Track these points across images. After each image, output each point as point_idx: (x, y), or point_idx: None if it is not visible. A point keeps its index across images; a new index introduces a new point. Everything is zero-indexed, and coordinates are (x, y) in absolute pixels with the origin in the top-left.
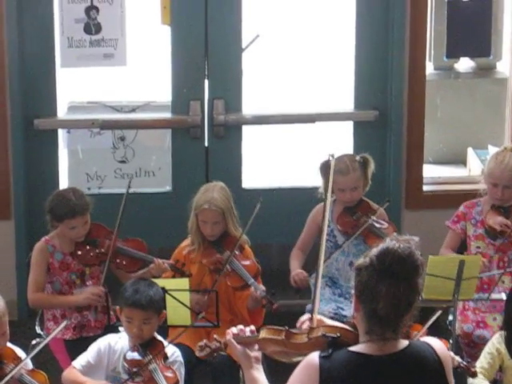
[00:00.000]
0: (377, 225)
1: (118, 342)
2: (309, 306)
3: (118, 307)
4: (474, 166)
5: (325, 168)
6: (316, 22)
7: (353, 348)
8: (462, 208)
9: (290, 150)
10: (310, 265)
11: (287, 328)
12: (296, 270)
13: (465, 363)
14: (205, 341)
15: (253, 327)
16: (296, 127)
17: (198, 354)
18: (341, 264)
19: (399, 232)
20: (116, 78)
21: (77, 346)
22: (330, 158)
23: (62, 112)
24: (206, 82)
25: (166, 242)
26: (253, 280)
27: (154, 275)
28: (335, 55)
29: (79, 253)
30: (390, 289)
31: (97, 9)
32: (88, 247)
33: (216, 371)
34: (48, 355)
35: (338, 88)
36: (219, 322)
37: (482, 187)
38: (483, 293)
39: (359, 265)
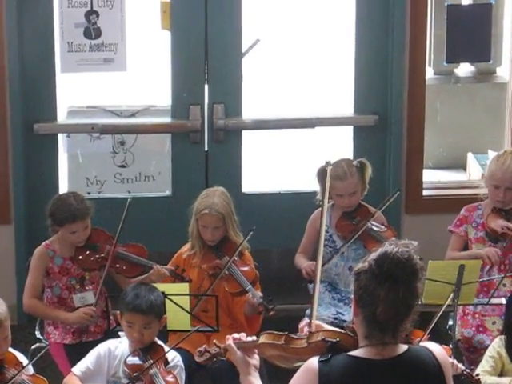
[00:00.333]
0: (375, 228)
1: (119, 347)
2: (308, 311)
3: (118, 312)
4: (474, 171)
5: (322, 174)
6: (316, 26)
7: (352, 352)
8: (463, 211)
9: (290, 155)
10: None
11: (287, 333)
12: (305, 263)
13: (468, 371)
14: (204, 346)
15: (254, 337)
16: (296, 132)
17: (197, 359)
18: (340, 269)
19: (399, 236)
20: (116, 82)
21: (76, 351)
22: (327, 167)
23: (61, 116)
24: (206, 86)
25: (166, 247)
26: (250, 286)
27: (153, 281)
28: (335, 60)
29: (79, 257)
30: (389, 293)
31: (97, 13)
32: (88, 252)
33: (215, 376)
34: (48, 360)
35: (338, 93)
36: (219, 326)
37: (482, 192)
38: (484, 296)
39: (358, 269)
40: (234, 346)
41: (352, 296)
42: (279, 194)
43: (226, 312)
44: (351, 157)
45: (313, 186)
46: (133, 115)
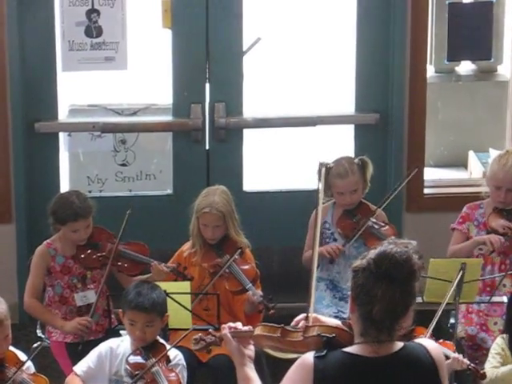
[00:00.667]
0: (376, 226)
1: (120, 346)
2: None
3: (120, 310)
4: (475, 169)
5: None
6: (317, 24)
7: (347, 349)
8: (465, 209)
9: (291, 154)
10: None
11: (283, 325)
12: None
13: (473, 365)
14: (200, 334)
15: (250, 327)
16: (297, 130)
17: (193, 347)
18: (341, 267)
19: (400, 234)
20: (117, 80)
21: (78, 350)
22: (322, 168)
23: (62, 115)
24: (207, 85)
25: (167, 245)
26: (250, 285)
27: (155, 279)
28: (336, 58)
29: (81, 256)
30: (386, 293)
31: (98, 12)
32: (90, 250)
33: (217, 374)
34: (49, 359)
35: (339, 91)
36: (220, 324)
37: (483, 190)
38: (486, 295)
39: (356, 266)
40: (229, 335)
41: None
42: (280, 192)
43: (227, 310)
44: (352, 155)
45: (314, 184)
46: (134, 114)
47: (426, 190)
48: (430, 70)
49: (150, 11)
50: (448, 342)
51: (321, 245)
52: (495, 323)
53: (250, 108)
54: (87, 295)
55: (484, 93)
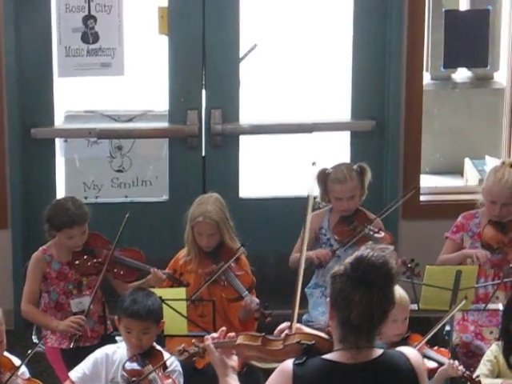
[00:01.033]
0: (373, 233)
1: (117, 352)
2: (305, 316)
3: (116, 317)
4: (471, 177)
5: (321, 176)
6: (313, 31)
7: (326, 356)
8: (460, 219)
9: (287, 160)
10: (306, 273)
11: (264, 334)
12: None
13: (468, 372)
14: (183, 345)
15: (233, 333)
16: (293, 137)
17: (177, 358)
18: None
19: (396, 242)
20: (113, 87)
21: (73, 356)
22: (313, 166)
23: (59, 121)
24: (204, 91)
25: (163, 251)
26: (247, 292)
27: (151, 285)
28: (332, 65)
29: (76, 262)
30: (363, 297)
31: (94, 18)
32: (85, 257)
33: (212, 381)
34: (45, 364)
35: (335, 98)
36: (216, 331)
37: (479, 198)
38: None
39: (334, 272)
40: (212, 346)
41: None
42: (276, 198)
43: (223, 317)
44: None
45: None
46: (130, 120)
47: (421, 198)
48: (427, 77)
49: (146, 17)
50: (443, 349)
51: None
52: (491, 332)
53: (247, 114)
54: (83, 301)
55: (480, 100)
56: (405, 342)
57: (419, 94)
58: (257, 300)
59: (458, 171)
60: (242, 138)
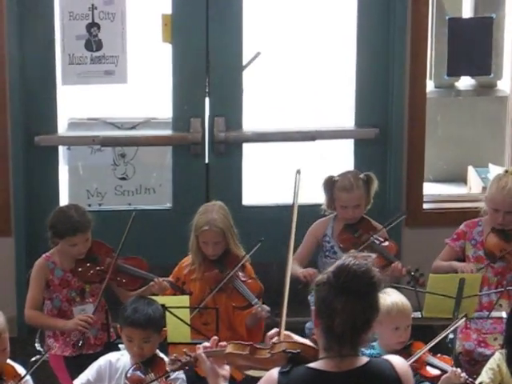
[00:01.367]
0: (379, 243)
1: (120, 360)
2: (307, 324)
3: (118, 325)
4: (475, 184)
5: (328, 184)
6: (316, 39)
7: (311, 364)
8: (462, 226)
9: (291, 168)
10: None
11: (252, 343)
12: (302, 269)
13: (471, 380)
14: (175, 354)
15: (224, 343)
16: (296, 145)
17: (168, 367)
18: None
19: (399, 249)
20: (117, 94)
21: (76, 364)
22: (297, 175)
23: (62, 129)
24: (207, 99)
25: (167, 259)
26: (256, 300)
27: (154, 293)
28: (336, 73)
29: (79, 270)
30: (346, 306)
31: (98, 26)
32: (88, 264)
33: None
34: (48, 372)
35: (339, 106)
36: (220, 339)
37: (482, 206)
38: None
39: (317, 281)
40: (203, 355)
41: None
42: (279, 206)
43: (227, 325)
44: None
45: (313, 198)
46: (133, 127)
47: (425, 205)
48: (430, 85)
49: (150, 25)
50: (446, 356)
51: (321, 258)
52: (495, 339)
53: (250, 122)
54: (85, 309)
55: (484, 108)
56: (407, 349)
57: (422, 101)
58: (267, 308)
59: (462, 179)
60: (246, 146)
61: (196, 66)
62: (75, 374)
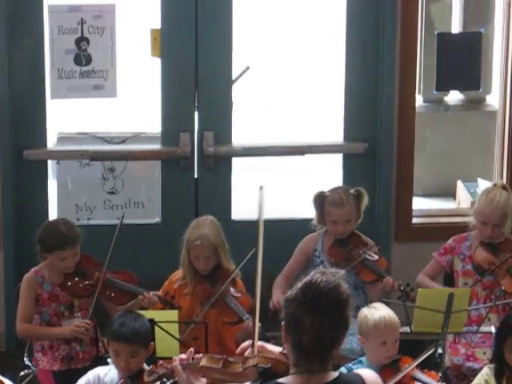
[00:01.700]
0: (370, 258)
1: (108, 374)
2: None
3: (106, 340)
4: (464, 199)
5: (318, 199)
6: (305, 54)
7: (281, 379)
8: (450, 241)
9: (280, 182)
10: None
11: (225, 357)
12: (277, 295)
13: None
14: (152, 366)
15: (200, 355)
16: (286, 159)
17: (145, 379)
18: None
19: (388, 264)
20: (106, 109)
21: (65, 378)
22: (261, 191)
23: (51, 143)
24: (196, 113)
25: (156, 274)
26: (248, 315)
27: (143, 307)
28: (325, 88)
29: (68, 284)
30: (314, 322)
31: (87, 40)
32: (77, 279)
33: None
34: None
35: (328, 120)
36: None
37: (471, 220)
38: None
39: (287, 296)
40: (179, 367)
41: None
42: (269, 221)
43: (216, 339)
44: (340, 184)
45: (303, 213)
46: (122, 142)
47: (414, 220)
48: (419, 100)
49: (139, 40)
50: (432, 371)
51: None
52: (484, 353)
53: (239, 137)
54: (74, 323)
55: (473, 123)
56: (395, 364)
57: (411, 116)
58: (259, 324)
59: (451, 194)
60: (235, 160)
61: (185, 81)
62: None
